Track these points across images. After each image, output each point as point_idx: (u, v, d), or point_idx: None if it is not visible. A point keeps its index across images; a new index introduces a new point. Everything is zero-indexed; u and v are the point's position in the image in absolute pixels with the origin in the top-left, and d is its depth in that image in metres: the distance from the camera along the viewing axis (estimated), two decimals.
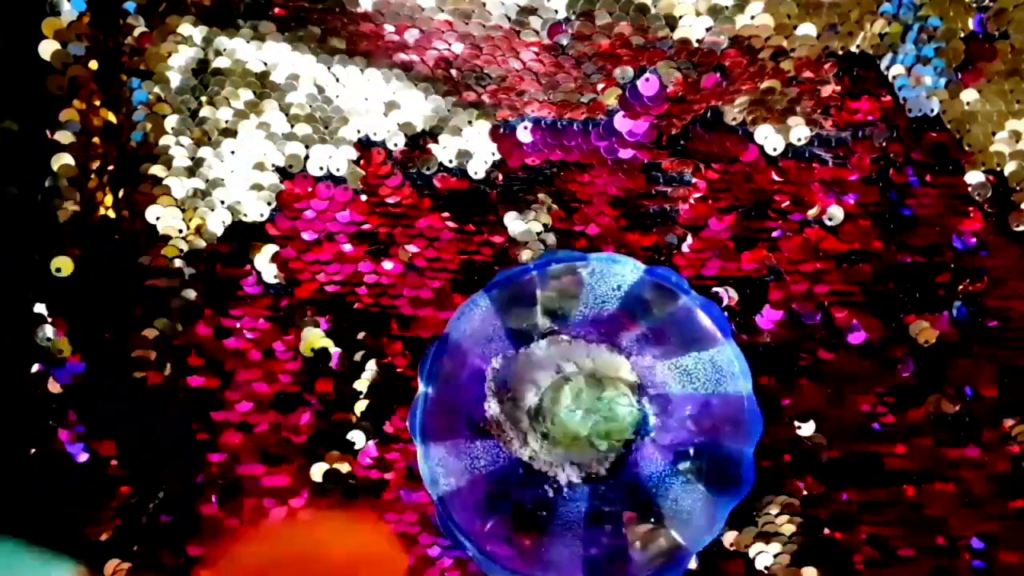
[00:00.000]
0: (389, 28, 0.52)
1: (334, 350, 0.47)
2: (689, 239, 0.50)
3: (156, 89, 0.50)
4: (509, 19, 0.53)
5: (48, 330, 0.47)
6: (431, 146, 0.51)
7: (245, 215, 0.49)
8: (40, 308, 0.47)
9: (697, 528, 0.34)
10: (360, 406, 0.47)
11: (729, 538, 0.44)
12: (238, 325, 0.48)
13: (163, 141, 0.50)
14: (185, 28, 0.51)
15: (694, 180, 0.51)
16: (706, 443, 0.35)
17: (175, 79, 0.51)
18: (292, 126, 0.50)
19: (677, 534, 0.35)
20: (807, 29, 0.53)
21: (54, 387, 0.46)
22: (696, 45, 0.53)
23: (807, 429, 0.47)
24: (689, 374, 0.36)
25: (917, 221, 0.51)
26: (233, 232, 0.49)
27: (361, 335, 0.48)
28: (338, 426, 0.46)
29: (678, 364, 0.37)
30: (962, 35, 0.53)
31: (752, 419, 0.33)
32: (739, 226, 0.50)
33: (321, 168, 0.50)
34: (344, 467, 0.45)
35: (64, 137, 0.48)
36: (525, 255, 0.49)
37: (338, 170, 0.50)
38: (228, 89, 0.50)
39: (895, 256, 0.50)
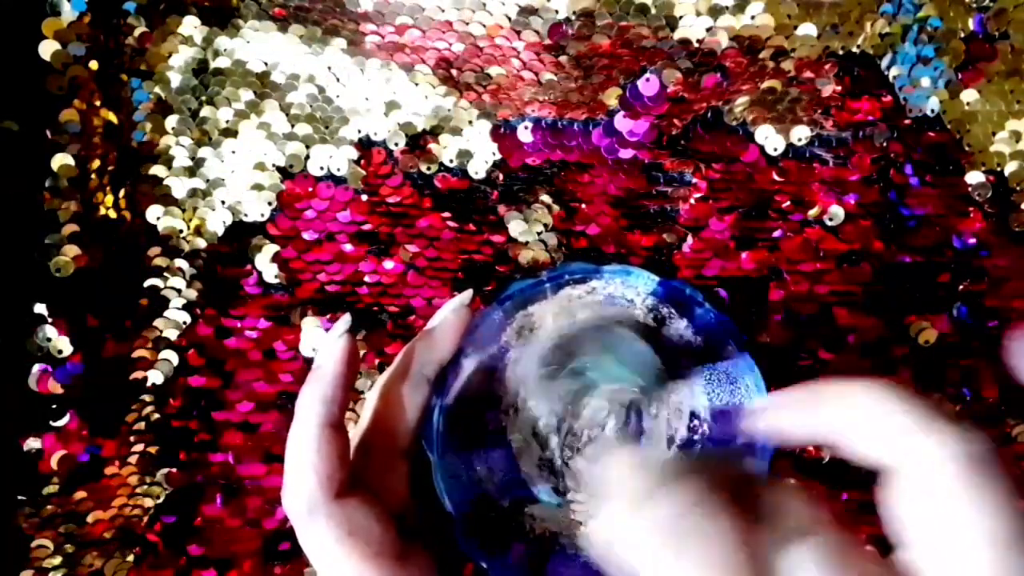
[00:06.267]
0: (389, 28, 0.52)
1: None
2: (689, 239, 0.50)
3: (156, 89, 0.50)
4: (509, 19, 0.53)
5: (48, 330, 0.47)
6: (431, 146, 0.51)
7: (245, 215, 0.49)
8: (40, 308, 0.47)
9: None
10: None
11: None
12: (239, 325, 0.48)
13: (163, 141, 0.50)
14: (185, 28, 0.51)
15: (694, 180, 0.51)
16: (719, 456, 0.35)
17: (175, 79, 0.51)
18: (292, 126, 0.50)
19: None
20: (807, 29, 0.53)
21: (54, 387, 0.46)
22: (696, 45, 0.53)
23: None
24: (703, 386, 0.36)
25: (917, 221, 0.51)
26: (233, 232, 0.49)
27: (361, 335, 0.48)
28: None
29: (691, 376, 0.36)
30: (962, 35, 0.53)
31: None
32: (739, 226, 0.50)
33: (322, 168, 0.50)
34: None
35: (64, 137, 0.48)
36: (525, 255, 0.49)
37: (339, 170, 0.50)
38: (228, 89, 0.50)
39: (895, 256, 0.50)
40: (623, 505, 0.19)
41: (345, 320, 0.27)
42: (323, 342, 0.27)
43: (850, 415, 0.20)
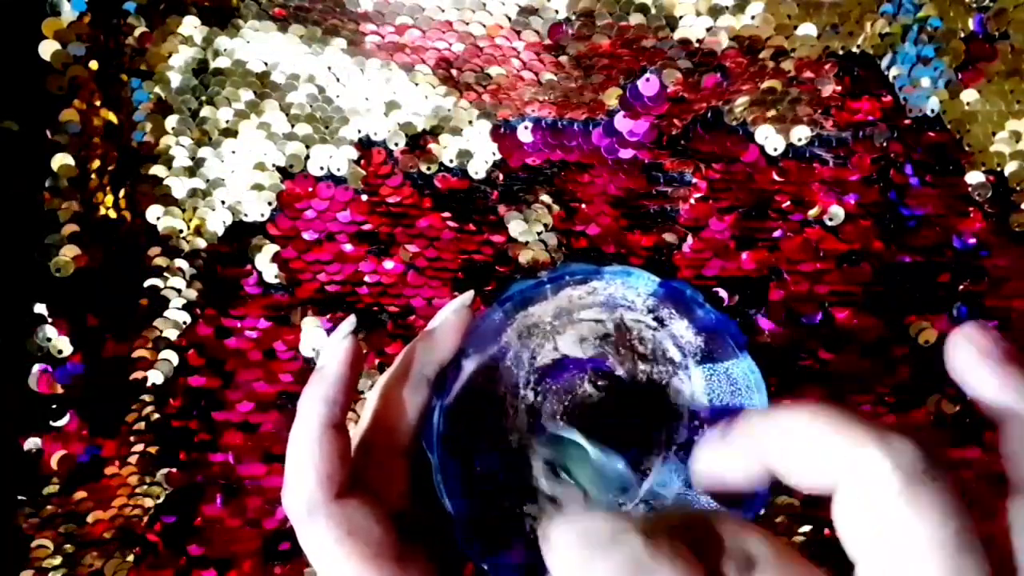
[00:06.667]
0: (389, 28, 0.52)
1: None
2: (689, 239, 0.50)
3: (156, 89, 0.50)
4: (509, 19, 0.53)
5: (48, 330, 0.47)
6: (431, 146, 0.51)
7: (245, 215, 0.49)
8: (40, 308, 0.47)
9: None
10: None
11: None
12: (239, 325, 0.48)
13: (163, 141, 0.50)
14: (185, 28, 0.51)
15: (695, 180, 0.51)
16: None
17: (175, 79, 0.51)
18: (292, 126, 0.50)
19: None
20: (807, 29, 0.53)
21: (54, 387, 0.46)
22: (696, 45, 0.53)
23: None
24: (704, 387, 0.36)
25: (917, 221, 0.51)
26: (233, 232, 0.49)
27: (361, 335, 0.48)
28: None
29: (692, 376, 0.36)
30: (962, 35, 0.53)
31: None
32: (739, 226, 0.50)
33: (322, 168, 0.50)
34: None
35: (64, 137, 0.48)
36: (525, 255, 0.49)
37: (339, 170, 0.50)
38: (228, 89, 0.50)
39: (895, 256, 0.50)
40: (576, 545, 0.19)
41: (350, 322, 0.27)
42: (326, 343, 0.27)
43: (784, 442, 0.20)
